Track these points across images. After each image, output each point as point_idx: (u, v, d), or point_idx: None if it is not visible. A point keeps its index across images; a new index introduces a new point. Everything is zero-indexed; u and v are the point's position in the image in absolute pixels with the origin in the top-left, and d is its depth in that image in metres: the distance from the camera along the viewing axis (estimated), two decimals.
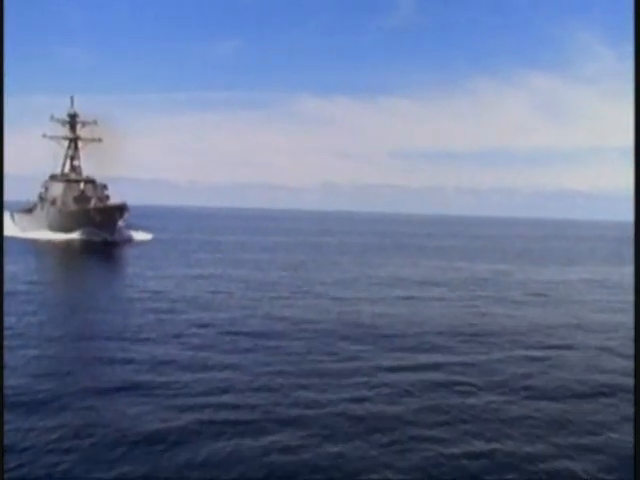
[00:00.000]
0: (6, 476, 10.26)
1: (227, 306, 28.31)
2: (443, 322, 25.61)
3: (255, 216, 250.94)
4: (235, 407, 14.13)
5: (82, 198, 73.11)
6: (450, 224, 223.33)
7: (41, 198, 79.64)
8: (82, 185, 75.15)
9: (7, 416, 12.39)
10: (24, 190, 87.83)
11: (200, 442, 12.05)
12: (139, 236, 75.00)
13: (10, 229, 73.95)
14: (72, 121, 79.09)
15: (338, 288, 35.73)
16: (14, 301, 26.66)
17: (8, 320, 22.02)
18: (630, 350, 19.90)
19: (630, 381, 15.53)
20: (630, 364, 17.87)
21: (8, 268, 35.83)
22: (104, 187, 76.24)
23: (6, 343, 18.75)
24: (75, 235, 69.10)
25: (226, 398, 14.75)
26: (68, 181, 76.09)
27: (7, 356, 17.13)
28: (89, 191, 74.59)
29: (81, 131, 79.39)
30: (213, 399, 14.63)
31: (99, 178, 76.96)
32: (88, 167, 78.81)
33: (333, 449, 11.88)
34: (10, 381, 15.16)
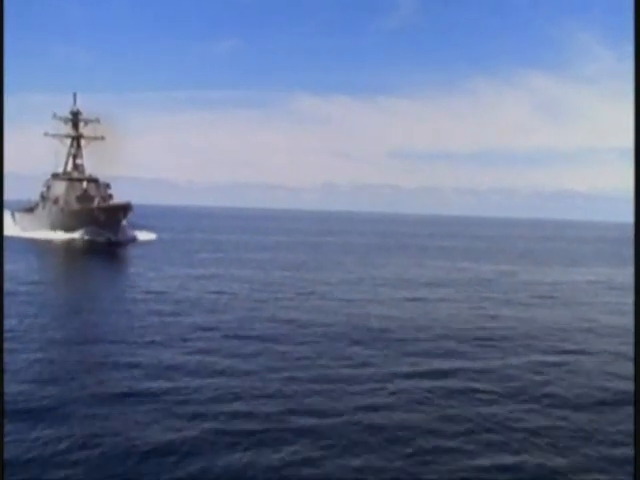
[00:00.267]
0: None
1: (232, 308, 27.75)
2: (453, 325, 25.12)
3: (255, 216, 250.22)
4: (249, 415, 13.54)
5: (85, 197, 72.14)
6: (450, 224, 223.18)
7: (43, 197, 78.51)
8: (85, 184, 74.12)
9: (8, 426, 11.59)
10: (24, 189, 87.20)
11: (215, 453, 11.46)
12: (143, 236, 74.13)
13: (10, 229, 72.95)
14: (75, 119, 78.01)
15: (343, 289, 35.22)
16: (15, 302, 26.08)
17: (9, 322, 21.48)
18: None
19: None
20: None
21: (9, 268, 35.15)
22: (107, 186, 75.15)
23: (6, 346, 18.12)
24: (78, 235, 68.12)
25: (238, 406, 14.16)
26: (71, 180, 75.04)
27: (8, 360, 16.47)
28: (92, 190, 73.53)
29: (84, 129, 78.48)
30: (225, 407, 14.04)
31: (99, 177, 76.06)
32: (88, 166, 78.07)
33: (355, 461, 11.30)
34: (11, 387, 14.55)
